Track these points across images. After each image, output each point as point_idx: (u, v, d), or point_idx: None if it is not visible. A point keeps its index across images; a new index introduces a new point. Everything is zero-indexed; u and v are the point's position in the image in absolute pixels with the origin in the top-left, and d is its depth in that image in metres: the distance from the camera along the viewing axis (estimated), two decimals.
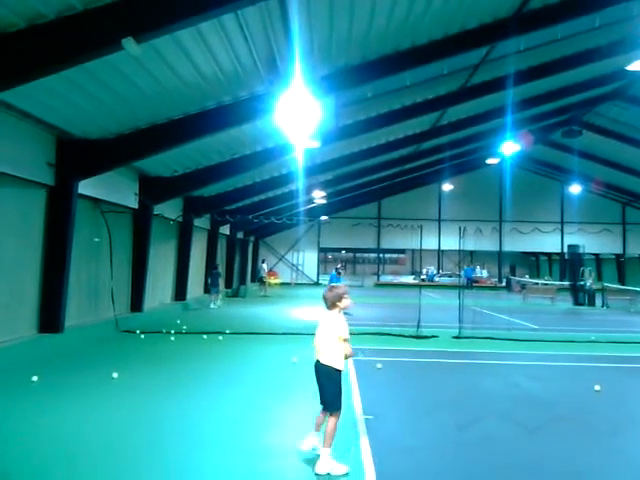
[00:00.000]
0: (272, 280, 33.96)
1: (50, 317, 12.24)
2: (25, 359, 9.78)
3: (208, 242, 27.57)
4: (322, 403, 5.18)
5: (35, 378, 8.04)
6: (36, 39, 7.67)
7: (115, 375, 8.41)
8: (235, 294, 28.38)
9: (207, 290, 24.61)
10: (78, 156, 12.37)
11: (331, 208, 39.65)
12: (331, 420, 5.02)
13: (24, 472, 4.78)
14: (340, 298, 5.22)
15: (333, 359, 5.13)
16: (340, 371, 5.17)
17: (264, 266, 31.58)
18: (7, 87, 8.50)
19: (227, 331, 13.70)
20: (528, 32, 14.42)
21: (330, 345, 5.14)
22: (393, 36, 12.75)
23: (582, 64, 19.24)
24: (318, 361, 5.21)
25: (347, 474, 4.81)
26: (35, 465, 4.95)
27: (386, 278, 49.00)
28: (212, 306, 22.12)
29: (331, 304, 5.23)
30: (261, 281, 31.49)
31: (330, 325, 5.19)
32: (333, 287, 5.36)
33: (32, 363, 9.36)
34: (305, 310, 21.20)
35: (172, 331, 13.50)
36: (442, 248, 45.34)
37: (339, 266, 25.74)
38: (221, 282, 25.60)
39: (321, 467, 4.83)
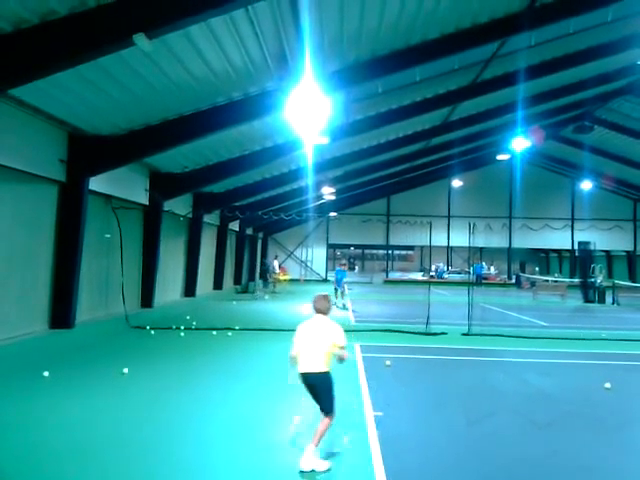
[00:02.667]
0: (281, 276, 33.91)
1: (61, 313, 12.35)
2: (37, 354, 9.86)
3: (217, 238, 27.67)
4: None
5: (46, 373, 8.09)
6: (49, 35, 7.73)
7: (125, 370, 8.45)
8: (244, 290, 28.43)
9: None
10: (89, 152, 12.45)
11: (340, 204, 39.62)
12: (324, 421, 4.99)
13: (35, 465, 4.82)
14: (330, 307, 5.39)
15: (324, 364, 5.11)
16: (329, 373, 5.16)
17: (275, 263, 31.50)
18: (20, 83, 8.57)
19: (236, 327, 13.73)
20: (540, 27, 14.31)
21: (322, 350, 5.12)
22: (404, 31, 12.70)
23: (594, 59, 19.08)
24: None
25: (329, 469, 4.80)
26: (47, 458, 4.99)
27: (395, 275, 48.91)
28: (265, 297, 24.88)
29: (326, 310, 5.32)
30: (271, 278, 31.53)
31: (332, 330, 5.17)
32: (324, 296, 5.42)
33: (43, 358, 9.43)
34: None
35: (182, 327, 13.55)
36: (451, 245, 45.18)
37: (343, 262, 26.07)
38: (229, 278, 25.97)
39: (305, 463, 4.83)
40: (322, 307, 5.28)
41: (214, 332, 13.02)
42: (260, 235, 40.74)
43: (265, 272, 26.98)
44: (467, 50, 14.27)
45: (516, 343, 12.56)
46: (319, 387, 5.05)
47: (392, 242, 45.86)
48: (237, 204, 26.22)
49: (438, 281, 42.21)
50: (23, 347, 10.33)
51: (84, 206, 12.58)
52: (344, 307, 20.88)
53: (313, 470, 4.79)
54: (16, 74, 8.08)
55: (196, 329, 13.49)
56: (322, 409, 5.03)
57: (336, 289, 22.20)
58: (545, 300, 27.63)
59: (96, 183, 13.20)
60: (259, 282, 26.37)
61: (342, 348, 5.12)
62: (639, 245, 44.58)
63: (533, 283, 35.23)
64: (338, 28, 11.46)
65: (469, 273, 27.74)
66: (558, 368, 10.04)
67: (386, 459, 5.09)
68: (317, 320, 5.25)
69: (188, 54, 10.31)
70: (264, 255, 41.93)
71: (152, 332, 12.94)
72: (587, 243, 29.30)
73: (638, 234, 44.63)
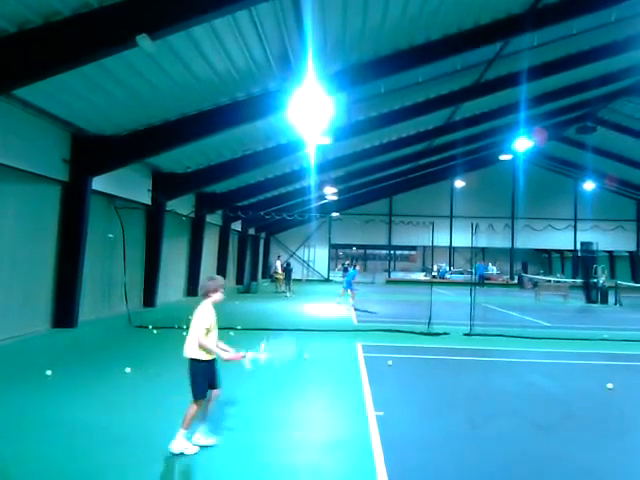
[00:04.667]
0: (281, 276, 33.87)
1: (64, 312, 12.38)
2: (40, 353, 9.90)
3: (220, 238, 27.69)
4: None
5: (49, 372, 8.13)
6: (52, 36, 7.76)
7: (128, 370, 8.48)
8: (246, 290, 28.44)
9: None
10: (92, 152, 12.48)
11: (342, 204, 39.63)
12: (191, 406, 5.19)
13: (38, 464, 4.85)
14: (215, 289, 5.35)
15: (193, 350, 5.23)
16: (200, 361, 5.21)
17: (278, 263, 31.41)
18: (24, 84, 8.61)
19: (239, 327, 13.75)
20: (543, 27, 14.31)
21: (193, 335, 5.22)
22: (406, 31, 12.72)
23: (597, 59, 19.05)
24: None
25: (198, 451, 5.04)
26: (49, 457, 5.01)
27: (397, 275, 48.89)
28: (288, 295, 26.42)
29: (205, 293, 5.36)
30: (272, 278, 31.69)
31: (197, 315, 5.25)
32: (213, 278, 5.48)
33: (46, 357, 9.47)
34: (316, 306, 21.23)
35: (184, 326, 13.56)
36: (454, 245, 45.15)
37: (352, 263, 26.79)
38: (231, 278, 26.07)
39: (176, 446, 5.10)
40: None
41: None
42: (262, 235, 40.76)
43: (289, 273, 28.68)
44: (470, 51, 14.28)
45: (518, 343, 12.56)
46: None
47: (394, 242, 45.83)
48: (239, 204, 26.26)
49: (440, 281, 42.22)
50: (26, 346, 10.37)
51: (87, 206, 12.61)
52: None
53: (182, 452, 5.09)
54: (20, 75, 8.11)
55: None
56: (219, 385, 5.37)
57: (346, 289, 21.94)
58: (547, 300, 27.61)
59: (99, 183, 13.24)
60: (287, 282, 28.52)
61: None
62: None
63: (535, 283, 35.19)
64: (341, 29, 11.48)
65: (471, 273, 27.77)
66: (560, 369, 10.04)
67: (387, 459, 5.11)
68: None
69: (191, 55, 10.34)
70: (266, 255, 42.12)
71: (155, 331, 12.98)
72: (590, 243, 29.27)
73: None
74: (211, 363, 5.27)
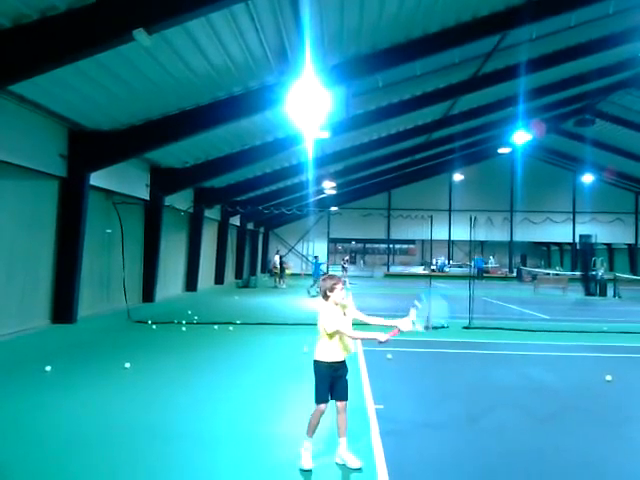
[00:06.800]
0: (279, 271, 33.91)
1: (63, 308, 12.38)
2: (39, 349, 9.90)
3: (218, 233, 27.68)
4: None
5: (48, 368, 8.13)
6: (49, 31, 7.73)
7: (127, 365, 8.48)
8: (245, 285, 28.46)
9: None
10: (90, 148, 12.46)
11: (341, 199, 39.60)
12: (314, 411, 4.83)
13: (37, 460, 4.85)
14: (332, 288, 4.86)
15: (316, 352, 4.87)
16: (320, 362, 4.80)
17: (276, 258, 31.39)
18: (20, 79, 8.57)
19: (238, 321, 13.76)
20: (541, 19, 14.26)
21: (319, 339, 4.87)
22: (404, 24, 12.67)
23: (595, 52, 19.02)
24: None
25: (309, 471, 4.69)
26: (48, 453, 5.01)
27: (396, 269, 48.89)
28: (283, 286, 28.52)
29: (324, 294, 4.93)
30: (271, 272, 31.83)
31: (319, 321, 4.86)
32: (329, 276, 5.03)
33: (46, 353, 9.47)
34: (315, 300, 21.24)
35: (183, 321, 13.58)
36: (452, 238, 45.18)
37: (317, 256, 29.75)
38: (230, 273, 26.17)
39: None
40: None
41: (216, 326, 13.05)
42: (261, 230, 40.74)
43: (282, 265, 30.16)
44: (468, 44, 14.23)
45: (517, 336, 12.58)
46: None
47: (393, 236, 45.89)
48: (238, 199, 26.23)
49: (439, 275, 42.25)
50: (25, 342, 10.37)
51: (85, 201, 12.59)
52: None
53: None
54: (16, 70, 8.07)
55: (198, 323, 13.53)
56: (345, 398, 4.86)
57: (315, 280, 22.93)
58: (546, 293, 27.65)
59: (97, 178, 13.21)
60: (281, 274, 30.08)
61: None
62: None
63: (534, 276, 35.22)
64: (338, 22, 11.43)
65: (470, 266, 27.78)
66: (559, 361, 10.06)
67: (387, 451, 5.12)
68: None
69: (188, 49, 10.30)
70: (265, 250, 42.19)
71: (154, 326, 12.98)
72: (588, 236, 29.28)
73: (639, 227, 44.59)
74: (335, 366, 4.78)
